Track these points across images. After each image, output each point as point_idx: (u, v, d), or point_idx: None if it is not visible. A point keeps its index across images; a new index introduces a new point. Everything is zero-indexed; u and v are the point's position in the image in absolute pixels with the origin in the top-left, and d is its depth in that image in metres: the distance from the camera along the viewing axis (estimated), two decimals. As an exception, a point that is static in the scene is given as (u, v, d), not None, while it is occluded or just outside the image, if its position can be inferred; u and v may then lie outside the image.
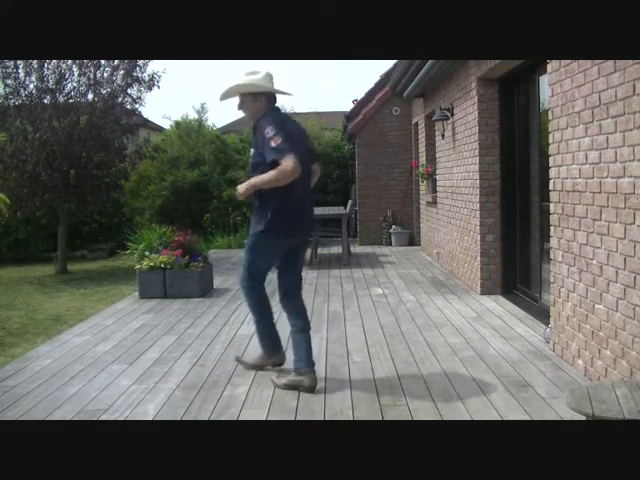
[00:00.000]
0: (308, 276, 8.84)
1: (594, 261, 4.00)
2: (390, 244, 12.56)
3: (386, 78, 12.34)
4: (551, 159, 4.69)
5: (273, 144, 3.97)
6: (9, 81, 9.80)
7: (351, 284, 8.10)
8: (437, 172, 9.50)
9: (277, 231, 4.16)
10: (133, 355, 5.08)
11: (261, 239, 4.23)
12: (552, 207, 4.71)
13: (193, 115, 16.36)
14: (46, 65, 9.80)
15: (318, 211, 10.84)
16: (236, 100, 4.34)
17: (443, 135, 8.77)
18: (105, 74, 10.13)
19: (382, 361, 4.71)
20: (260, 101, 4.21)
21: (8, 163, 9.58)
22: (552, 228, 4.74)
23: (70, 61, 9.82)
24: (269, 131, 4.00)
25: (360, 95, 15.16)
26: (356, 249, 12.08)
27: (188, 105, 50.86)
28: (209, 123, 17.97)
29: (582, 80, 4.08)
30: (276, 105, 4.32)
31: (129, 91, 10.37)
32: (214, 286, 8.18)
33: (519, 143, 6.75)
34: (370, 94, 13.34)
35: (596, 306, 4.00)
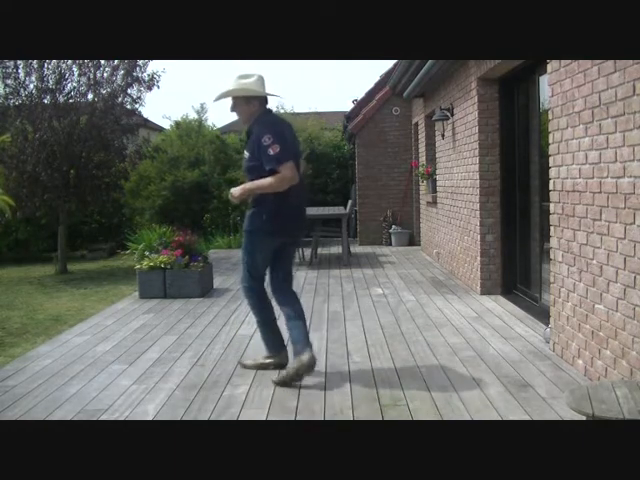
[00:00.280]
0: (308, 276, 8.84)
1: (594, 261, 4.00)
2: (390, 244, 12.56)
3: (386, 78, 12.34)
4: (551, 159, 4.69)
5: (272, 152, 4.07)
6: (9, 81, 9.80)
7: (351, 284, 8.10)
8: (437, 172, 9.50)
9: (271, 231, 4.28)
10: (133, 355, 5.08)
11: (255, 238, 4.34)
12: (552, 207, 4.71)
13: (193, 115, 16.40)
14: (46, 65, 9.80)
15: (318, 211, 10.85)
16: (229, 100, 4.43)
17: (443, 135, 8.77)
18: (105, 74, 10.13)
19: (382, 361, 4.71)
20: (253, 104, 4.32)
21: (8, 163, 9.58)
22: (552, 228, 4.74)
23: (70, 61, 9.83)
24: (267, 139, 4.09)
25: (360, 95, 15.19)
26: (356, 249, 12.08)
27: (188, 105, 50.86)
28: (209, 123, 18.01)
29: (582, 80, 4.08)
30: (268, 107, 4.42)
31: (129, 91, 10.38)
32: (214, 286, 8.18)
33: (519, 143, 6.75)
34: (370, 94, 13.34)
35: (596, 306, 4.00)
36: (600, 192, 3.87)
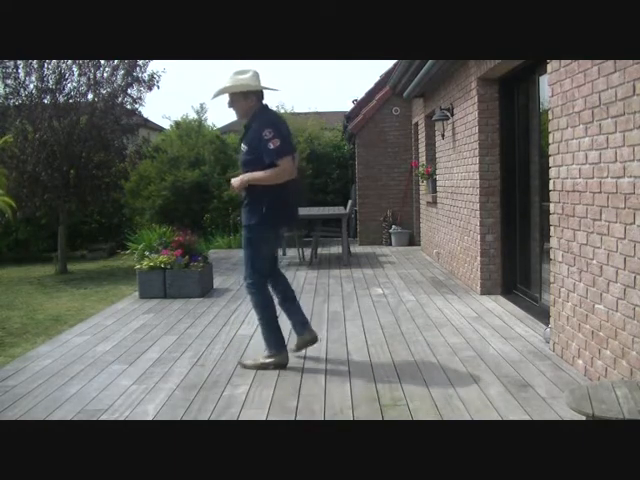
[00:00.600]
0: (308, 276, 8.84)
1: (594, 261, 4.00)
2: (390, 244, 12.56)
3: (386, 78, 12.34)
4: (551, 159, 4.69)
5: (272, 146, 4.25)
6: (9, 81, 9.80)
7: (351, 284, 8.10)
8: (437, 172, 9.50)
9: (271, 223, 4.45)
10: (133, 355, 5.08)
11: (258, 232, 4.46)
12: (552, 207, 4.72)
13: (193, 115, 16.39)
14: (46, 65, 9.80)
15: (318, 211, 10.85)
16: (226, 98, 4.54)
17: (443, 135, 8.77)
18: (105, 74, 10.13)
19: (382, 361, 4.71)
20: (251, 99, 4.45)
21: (8, 163, 9.58)
22: (552, 228, 4.74)
23: (70, 61, 9.82)
24: (267, 133, 4.26)
25: (360, 95, 15.18)
26: (356, 249, 12.08)
27: (188, 105, 50.87)
28: (209, 123, 18.00)
29: (582, 80, 4.08)
30: (265, 102, 4.55)
31: (129, 91, 10.38)
32: (214, 286, 8.18)
33: (519, 143, 6.75)
34: (370, 94, 13.34)
35: (596, 306, 4.00)
36: (600, 192, 3.87)
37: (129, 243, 9.20)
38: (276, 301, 4.71)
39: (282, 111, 18.09)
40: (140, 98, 10.50)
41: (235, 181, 4.46)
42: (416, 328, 5.67)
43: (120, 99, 10.32)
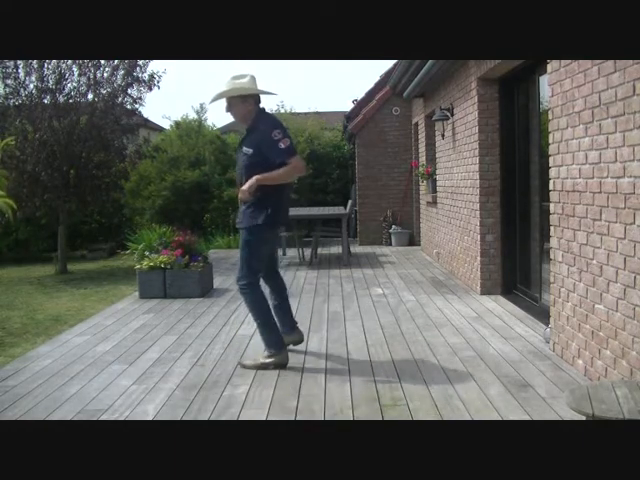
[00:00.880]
0: (308, 276, 8.84)
1: (594, 261, 4.00)
2: (390, 244, 12.56)
3: (386, 78, 12.34)
4: (551, 159, 4.69)
5: (282, 146, 4.34)
6: (9, 81, 9.80)
7: (351, 284, 8.10)
8: (437, 172, 9.50)
9: (274, 224, 4.55)
10: (133, 355, 5.08)
11: (259, 233, 4.49)
12: (552, 207, 4.71)
13: (193, 115, 16.35)
14: (46, 65, 9.80)
15: (318, 211, 10.85)
16: (224, 102, 4.60)
17: (443, 135, 8.77)
18: (105, 74, 10.13)
19: (382, 361, 4.71)
20: (249, 103, 4.51)
21: (8, 163, 9.57)
22: (552, 228, 4.74)
23: (70, 61, 9.82)
24: (277, 134, 4.34)
25: (360, 95, 15.17)
26: (356, 249, 12.08)
27: (188, 105, 50.88)
28: (209, 123, 17.98)
29: (582, 80, 4.08)
30: (262, 106, 4.61)
31: (129, 91, 10.37)
32: (214, 286, 8.18)
33: (519, 143, 6.75)
34: (370, 94, 13.33)
35: (596, 306, 4.00)
36: (600, 192, 3.87)
37: (129, 243, 9.20)
38: (271, 302, 4.76)
39: (282, 111, 18.08)
40: (140, 98, 10.50)
41: (246, 186, 4.41)
42: (416, 328, 5.67)
43: (120, 99, 10.32)
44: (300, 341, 4.96)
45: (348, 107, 14.61)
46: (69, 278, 9.91)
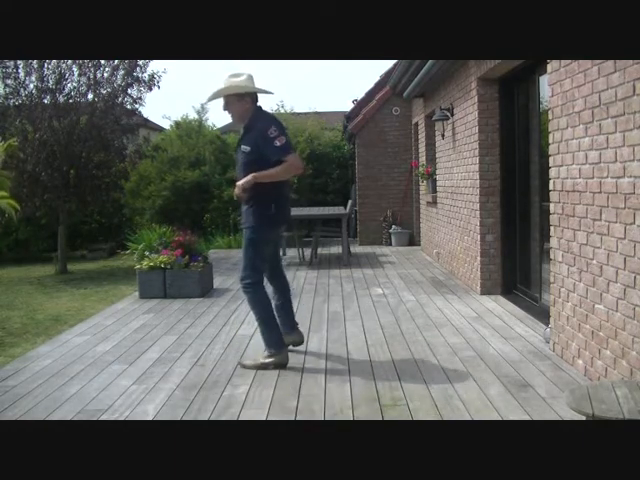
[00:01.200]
0: (308, 276, 8.84)
1: (594, 261, 4.00)
2: (390, 244, 12.56)
3: (386, 78, 12.34)
4: (551, 159, 4.69)
5: (278, 143, 4.32)
6: (9, 81, 9.80)
7: (351, 284, 8.10)
8: (437, 172, 9.50)
9: (277, 222, 4.56)
10: (133, 355, 5.08)
11: (262, 232, 4.49)
12: (552, 207, 4.71)
13: (193, 115, 16.34)
14: (46, 65, 9.80)
15: (318, 211, 10.85)
16: (221, 101, 4.61)
17: (443, 135, 8.77)
18: (105, 74, 10.13)
19: (382, 361, 4.71)
20: (246, 101, 4.51)
21: (8, 163, 9.57)
22: (552, 228, 4.74)
23: (70, 61, 9.82)
24: (273, 131, 4.33)
25: (360, 95, 15.17)
26: (356, 249, 12.08)
27: (188, 105, 50.92)
28: (209, 123, 17.97)
29: (582, 80, 4.08)
30: (259, 104, 4.60)
31: (129, 91, 10.37)
32: (214, 286, 8.18)
33: (519, 143, 6.75)
34: (370, 94, 13.33)
35: (596, 306, 4.00)
36: (600, 192, 3.87)
37: (129, 243, 9.20)
38: (274, 302, 4.76)
39: (282, 111, 18.06)
40: (140, 98, 10.50)
41: (241, 182, 4.43)
42: (416, 328, 5.67)
43: (120, 99, 10.31)
44: (300, 342, 4.96)
45: (348, 107, 14.62)
46: (69, 278, 9.91)
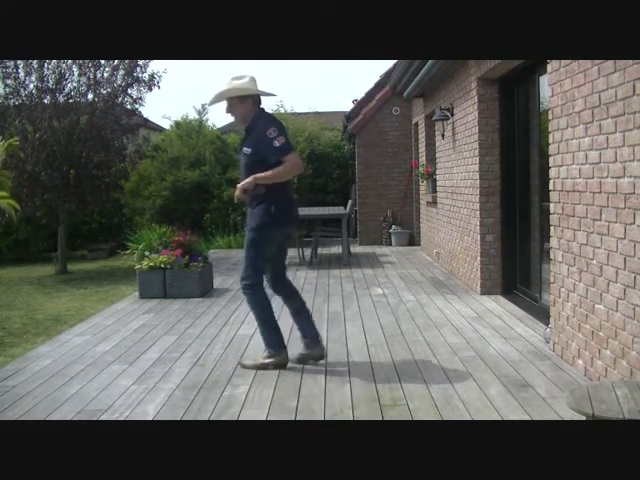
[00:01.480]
0: (308, 276, 8.84)
1: (594, 261, 4.00)
2: (390, 244, 12.56)
3: (386, 78, 12.34)
4: (551, 159, 4.69)
5: (277, 144, 4.30)
6: (9, 81, 9.80)
7: (351, 284, 8.10)
8: (437, 172, 9.50)
9: (279, 223, 4.49)
10: (133, 355, 5.08)
11: (265, 233, 4.48)
12: (552, 207, 4.71)
13: (193, 115, 16.29)
14: (46, 65, 9.79)
15: (318, 211, 10.85)
16: (224, 104, 4.60)
17: (443, 135, 8.77)
18: (105, 74, 10.12)
19: (382, 361, 4.71)
20: (248, 103, 4.50)
21: (8, 163, 9.56)
22: (552, 228, 4.74)
23: (70, 61, 9.82)
24: (272, 132, 4.31)
25: (360, 95, 15.16)
26: (356, 249, 12.08)
27: (188, 105, 50.91)
28: (209, 123, 17.92)
29: (582, 80, 4.08)
30: (261, 106, 4.59)
31: (129, 91, 10.37)
32: (214, 286, 8.18)
33: (519, 143, 6.75)
34: (370, 94, 13.33)
35: (596, 306, 4.00)
36: (600, 192, 3.87)
37: (129, 243, 9.19)
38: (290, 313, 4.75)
39: (282, 111, 18.06)
40: (140, 98, 10.49)
41: (242, 183, 4.43)
42: (416, 328, 5.67)
43: (120, 99, 10.31)
44: (320, 357, 4.65)
45: (348, 107, 14.62)
46: (69, 278, 9.91)
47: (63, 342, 5.61)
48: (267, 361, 4.56)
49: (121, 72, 10.16)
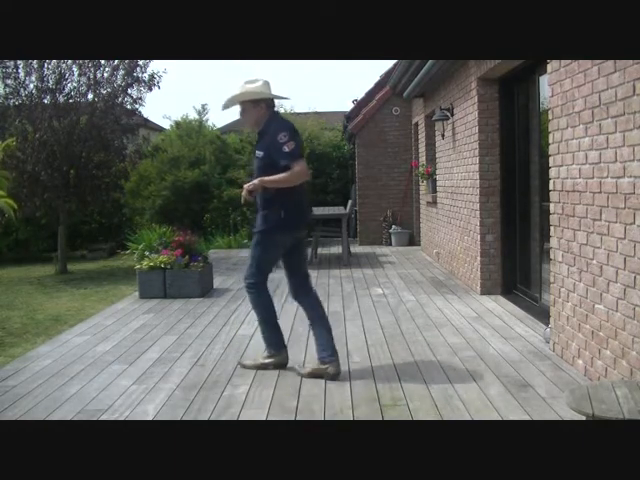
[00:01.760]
0: (308, 276, 8.83)
1: (594, 261, 4.00)
2: (390, 244, 12.56)
3: (386, 78, 12.33)
4: (551, 159, 4.69)
5: (287, 149, 4.27)
6: (9, 81, 9.80)
7: (351, 284, 8.10)
8: (437, 172, 9.50)
9: (288, 227, 4.42)
10: (133, 355, 5.08)
11: (272, 235, 4.44)
12: (552, 207, 4.72)
13: (193, 115, 16.30)
14: (46, 65, 9.79)
15: (318, 211, 10.85)
16: (236, 107, 4.56)
17: (443, 135, 8.77)
18: (105, 74, 10.12)
19: (382, 361, 4.71)
20: (261, 107, 4.46)
21: (8, 163, 9.57)
22: (552, 228, 4.74)
23: (70, 61, 9.82)
24: (283, 137, 4.28)
25: (360, 95, 15.16)
26: (356, 249, 12.07)
27: (188, 105, 50.93)
28: (209, 123, 17.92)
29: (582, 80, 4.08)
30: (275, 109, 4.56)
31: (129, 91, 10.37)
32: (214, 286, 8.18)
33: (519, 143, 6.75)
34: (370, 94, 13.33)
35: (596, 306, 4.00)
36: (600, 192, 3.87)
37: (129, 243, 9.20)
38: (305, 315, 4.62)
39: (282, 111, 18.07)
40: (140, 98, 10.48)
41: (250, 185, 4.41)
42: (416, 328, 5.67)
43: (120, 99, 10.31)
44: (335, 375, 4.32)
45: (348, 107, 14.62)
46: (69, 278, 9.91)
47: (63, 342, 5.61)
48: (267, 361, 4.56)
49: (121, 72, 10.16)
